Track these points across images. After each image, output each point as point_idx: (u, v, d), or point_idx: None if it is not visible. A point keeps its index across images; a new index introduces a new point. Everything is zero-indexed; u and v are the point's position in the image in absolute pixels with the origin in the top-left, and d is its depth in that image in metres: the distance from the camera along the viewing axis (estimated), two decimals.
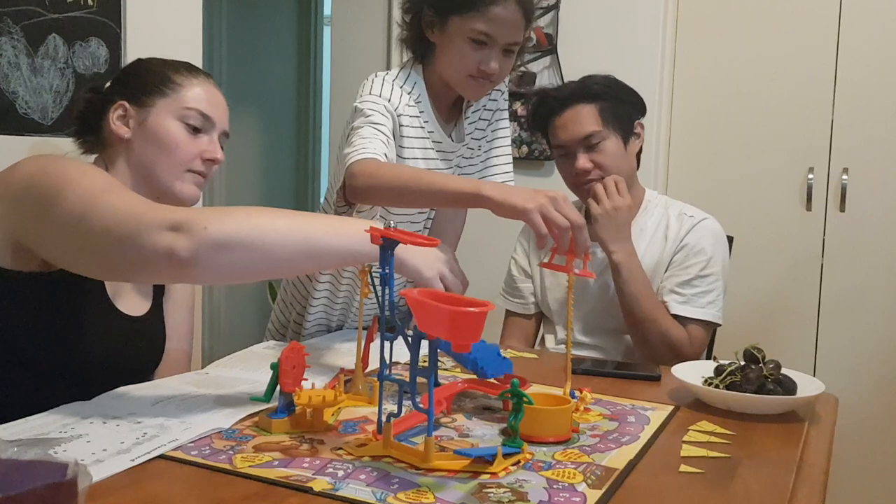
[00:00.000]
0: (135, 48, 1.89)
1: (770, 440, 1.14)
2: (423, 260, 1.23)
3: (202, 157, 1.35)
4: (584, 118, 1.76)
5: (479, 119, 1.72)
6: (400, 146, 1.57)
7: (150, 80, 1.34)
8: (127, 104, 1.33)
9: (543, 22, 2.88)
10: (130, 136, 1.33)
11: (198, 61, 2.07)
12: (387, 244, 1.05)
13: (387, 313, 1.05)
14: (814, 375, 1.36)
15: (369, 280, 1.20)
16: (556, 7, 2.86)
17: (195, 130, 1.34)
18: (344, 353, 1.53)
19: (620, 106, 1.79)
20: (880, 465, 2.65)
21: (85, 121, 1.38)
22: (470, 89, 1.57)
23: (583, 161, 1.75)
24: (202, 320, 2.16)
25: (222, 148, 1.39)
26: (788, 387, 1.27)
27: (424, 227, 1.76)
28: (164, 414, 1.11)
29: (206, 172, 1.36)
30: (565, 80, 2.64)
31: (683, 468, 1.01)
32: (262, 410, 1.13)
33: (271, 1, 4.32)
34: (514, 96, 2.91)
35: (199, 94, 1.35)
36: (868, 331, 2.67)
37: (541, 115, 1.84)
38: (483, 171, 1.77)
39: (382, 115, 1.52)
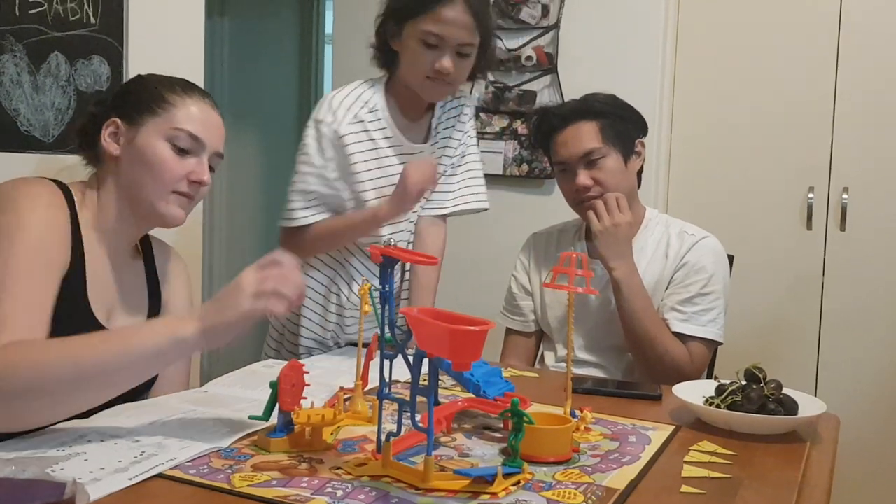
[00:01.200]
0: (137, 66, 1.89)
1: (771, 460, 1.14)
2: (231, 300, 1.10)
3: (189, 178, 1.32)
4: (585, 135, 1.76)
5: (446, 129, 1.80)
6: (350, 161, 1.67)
7: (144, 98, 1.33)
8: (119, 121, 1.32)
9: (544, 41, 2.90)
10: (119, 153, 1.32)
11: (199, 79, 2.08)
12: (387, 262, 1.05)
13: (386, 331, 1.05)
14: (815, 395, 1.35)
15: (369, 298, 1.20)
16: (556, 27, 2.87)
17: (183, 151, 1.31)
18: (343, 372, 1.52)
19: (621, 124, 1.80)
20: (883, 486, 2.64)
21: (85, 134, 1.38)
22: (427, 90, 1.66)
23: (583, 177, 1.76)
24: None
25: (213, 169, 1.37)
26: (790, 407, 1.26)
27: (408, 243, 1.84)
28: (163, 432, 1.10)
29: (192, 194, 1.34)
30: (565, 98, 2.65)
31: (685, 489, 1.01)
32: (260, 429, 1.12)
33: (273, 19, 4.35)
34: (514, 115, 2.92)
35: (190, 115, 1.32)
36: (870, 350, 2.66)
37: (542, 131, 1.85)
38: (459, 199, 1.86)
39: (312, 172, 1.68)
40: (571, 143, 1.77)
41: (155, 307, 1.42)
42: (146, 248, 1.44)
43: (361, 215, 1.67)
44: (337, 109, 1.67)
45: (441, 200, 1.84)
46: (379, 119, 1.69)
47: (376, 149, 1.69)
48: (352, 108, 1.68)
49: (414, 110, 1.74)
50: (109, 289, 1.32)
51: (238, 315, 1.07)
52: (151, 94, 1.33)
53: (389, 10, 1.67)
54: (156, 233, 1.46)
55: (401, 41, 1.65)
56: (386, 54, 1.71)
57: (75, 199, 1.29)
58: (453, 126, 1.82)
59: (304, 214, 1.68)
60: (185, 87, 1.36)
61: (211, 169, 1.36)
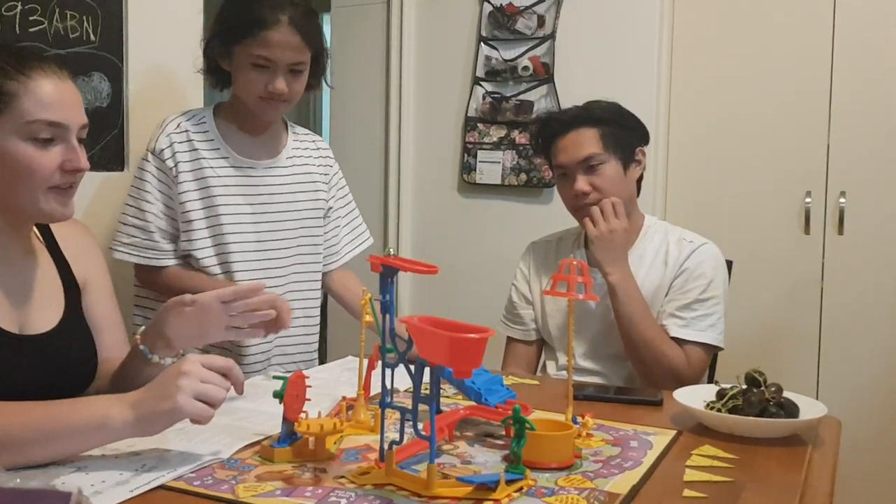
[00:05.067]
0: (137, 82, 1.91)
1: (773, 464, 1.14)
2: (161, 397, 1.04)
3: (62, 169, 1.17)
4: (585, 141, 1.77)
5: (305, 160, 1.82)
6: (179, 179, 1.68)
7: None
8: None
9: (540, 51, 2.91)
10: None
11: (199, 95, 2.09)
12: (386, 272, 1.06)
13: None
14: (816, 398, 1.36)
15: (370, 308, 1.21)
16: (552, 37, 2.89)
17: (47, 142, 1.16)
18: (344, 382, 1.53)
19: (622, 132, 1.81)
20: (885, 488, 2.63)
21: None
22: (263, 110, 1.68)
23: (581, 183, 1.77)
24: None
25: (83, 141, 1.20)
26: (791, 410, 1.27)
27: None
28: (163, 444, 1.10)
29: (70, 182, 1.20)
30: (562, 108, 2.66)
31: (687, 493, 1.01)
32: (263, 439, 1.13)
33: None
34: (512, 125, 2.93)
35: (40, 100, 1.14)
36: (870, 353, 2.66)
37: (544, 137, 1.86)
38: (350, 244, 1.91)
39: (132, 204, 1.69)
40: (571, 148, 1.78)
41: (72, 290, 1.32)
42: (44, 231, 1.32)
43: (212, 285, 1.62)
44: (159, 128, 1.70)
45: (336, 253, 1.89)
46: (206, 132, 1.71)
47: (200, 158, 1.69)
48: (177, 120, 1.70)
49: (256, 127, 1.75)
50: (11, 297, 1.22)
51: (170, 409, 1.03)
52: None
53: (215, 31, 1.68)
54: None
55: (231, 63, 1.67)
56: (216, 74, 1.72)
57: None
58: (318, 166, 1.84)
59: (118, 247, 1.69)
60: (21, 64, 1.16)
61: (80, 141, 1.20)
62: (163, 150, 1.67)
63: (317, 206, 1.83)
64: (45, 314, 1.26)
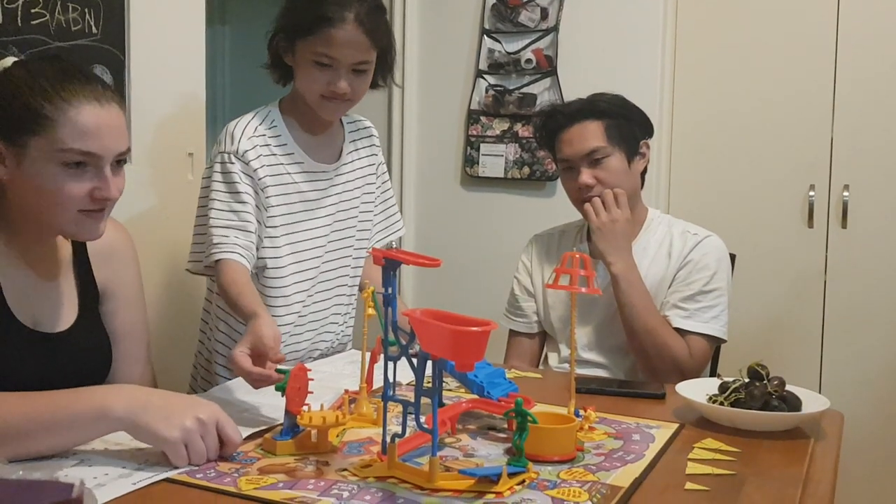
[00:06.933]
0: (139, 75, 1.91)
1: (776, 457, 1.14)
2: (165, 418, 1.03)
3: (91, 196, 1.15)
4: (590, 134, 1.78)
5: (356, 151, 1.78)
6: (264, 184, 1.61)
7: (19, 114, 1.13)
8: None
9: (543, 44, 2.90)
10: (8, 177, 1.15)
11: (201, 89, 2.09)
12: (389, 265, 1.06)
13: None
14: (819, 392, 1.35)
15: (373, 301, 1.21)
16: (555, 29, 2.88)
17: (80, 165, 1.14)
18: (347, 375, 1.53)
19: (626, 124, 1.81)
20: (887, 481, 2.64)
21: None
22: (324, 109, 1.62)
23: (585, 176, 1.77)
24: None
25: (122, 164, 1.19)
26: (793, 403, 1.27)
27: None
28: None
29: (101, 207, 1.18)
30: (566, 101, 2.65)
31: (689, 486, 1.01)
32: (265, 431, 1.13)
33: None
34: (514, 118, 2.93)
35: (76, 129, 1.12)
36: (873, 346, 2.66)
37: (548, 129, 1.86)
38: (379, 230, 1.85)
39: (222, 208, 1.57)
40: (576, 141, 1.78)
41: (88, 293, 1.31)
42: None
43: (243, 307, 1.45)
44: (235, 132, 1.61)
45: (368, 235, 1.82)
46: (279, 136, 1.65)
47: (280, 164, 1.64)
48: (252, 123, 1.63)
49: (317, 125, 1.69)
50: (26, 294, 1.22)
51: (163, 437, 1.02)
52: (26, 110, 1.12)
53: (280, 25, 1.62)
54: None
55: (293, 58, 1.61)
56: (280, 69, 1.66)
57: None
58: (368, 152, 1.81)
59: (220, 249, 1.55)
60: (63, 88, 1.14)
61: (119, 163, 1.19)
62: (247, 151, 1.59)
63: (369, 199, 1.82)
64: (60, 314, 1.26)
